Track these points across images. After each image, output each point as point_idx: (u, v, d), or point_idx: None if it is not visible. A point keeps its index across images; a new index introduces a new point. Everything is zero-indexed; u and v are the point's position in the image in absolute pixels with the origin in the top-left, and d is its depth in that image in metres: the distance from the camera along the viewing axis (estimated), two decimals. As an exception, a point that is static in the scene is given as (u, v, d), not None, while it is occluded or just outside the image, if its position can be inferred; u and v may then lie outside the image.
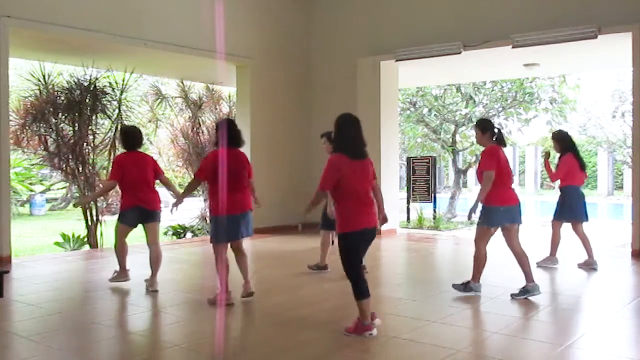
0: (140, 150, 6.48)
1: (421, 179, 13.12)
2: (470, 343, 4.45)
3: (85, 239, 10.43)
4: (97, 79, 10.06)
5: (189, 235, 12.25)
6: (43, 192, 21.64)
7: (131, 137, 6.30)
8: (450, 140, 16.46)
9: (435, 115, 16.53)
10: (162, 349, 4.32)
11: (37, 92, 9.83)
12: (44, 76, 9.84)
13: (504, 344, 4.47)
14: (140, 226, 6.28)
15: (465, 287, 5.87)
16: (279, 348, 4.39)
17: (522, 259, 5.78)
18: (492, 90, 16.03)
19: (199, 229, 12.31)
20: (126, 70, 10.32)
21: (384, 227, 10.68)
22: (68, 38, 8.58)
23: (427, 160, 13.26)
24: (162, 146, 14.99)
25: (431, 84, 15.92)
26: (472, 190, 24.09)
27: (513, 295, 5.70)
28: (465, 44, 9.60)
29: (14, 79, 10.18)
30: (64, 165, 10.20)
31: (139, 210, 6.12)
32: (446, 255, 9.45)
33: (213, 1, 9.62)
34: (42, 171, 19.75)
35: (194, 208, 13.79)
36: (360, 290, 4.45)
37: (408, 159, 13.82)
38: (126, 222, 6.25)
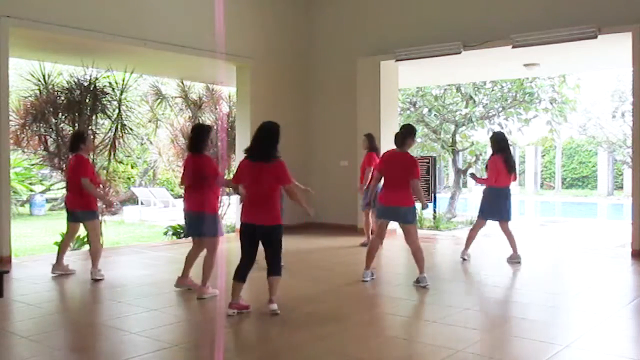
0: (80, 152, 6.77)
1: (421, 179, 13.11)
2: (470, 343, 4.45)
3: (85, 239, 10.41)
4: (97, 79, 10.05)
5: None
6: (43, 192, 21.63)
7: (70, 139, 7.01)
8: (450, 140, 16.45)
9: (435, 115, 16.51)
10: (162, 349, 4.32)
11: (37, 92, 9.82)
12: (44, 76, 9.83)
13: (504, 344, 4.47)
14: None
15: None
16: (278, 347, 4.39)
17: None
18: (492, 90, 16.01)
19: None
20: (126, 70, 10.31)
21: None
22: (68, 38, 8.57)
23: (427, 160, 13.25)
24: (162, 146, 15.02)
25: (431, 84, 15.92)
26: (472, 190, 24.04)
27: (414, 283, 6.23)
28: (465, 44, 9.60)
29: (14, 79, 10.18)
30: (64, 165, 10.19)
31: (66, 208, 6.89)
32: (446, 255, 9.44)
33: (213, 1, 9.61)
34: (42, 171, 19.75)
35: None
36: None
37: (408, 159, 13.80)
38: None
